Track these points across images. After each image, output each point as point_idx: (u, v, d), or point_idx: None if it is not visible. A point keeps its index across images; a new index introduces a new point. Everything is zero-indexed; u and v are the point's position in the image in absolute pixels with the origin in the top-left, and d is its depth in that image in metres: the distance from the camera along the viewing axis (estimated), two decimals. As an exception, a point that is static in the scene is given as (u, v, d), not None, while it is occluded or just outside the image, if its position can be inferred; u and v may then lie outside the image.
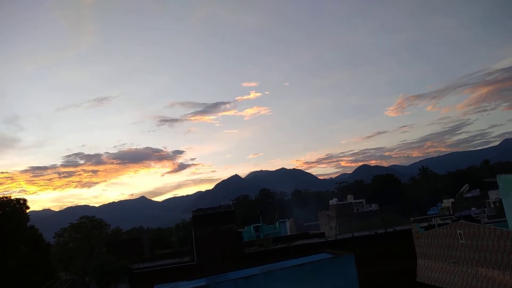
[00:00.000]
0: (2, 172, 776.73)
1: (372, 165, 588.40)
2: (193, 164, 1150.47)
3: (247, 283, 16.12)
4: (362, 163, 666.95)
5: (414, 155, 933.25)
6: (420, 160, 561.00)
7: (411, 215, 78.37)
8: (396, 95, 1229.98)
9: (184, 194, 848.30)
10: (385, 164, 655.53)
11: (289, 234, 68.30)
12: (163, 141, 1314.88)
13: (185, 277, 22.27)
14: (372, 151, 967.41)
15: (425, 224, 41.01)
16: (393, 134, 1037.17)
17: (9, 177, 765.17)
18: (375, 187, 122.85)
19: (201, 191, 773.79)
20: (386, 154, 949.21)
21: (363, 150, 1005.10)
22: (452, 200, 72.94)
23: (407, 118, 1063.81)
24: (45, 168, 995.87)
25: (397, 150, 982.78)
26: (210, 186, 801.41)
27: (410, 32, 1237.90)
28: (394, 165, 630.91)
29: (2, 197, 43.53)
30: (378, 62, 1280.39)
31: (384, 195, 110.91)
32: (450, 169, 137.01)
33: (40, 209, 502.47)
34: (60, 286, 46.90)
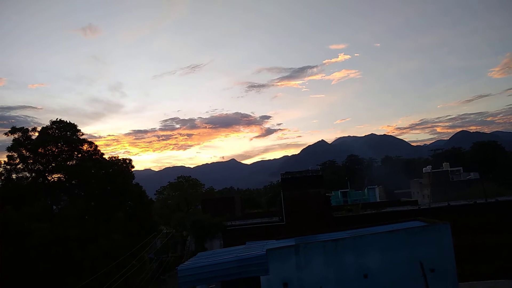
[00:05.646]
0: (109, 135, 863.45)
1: (471, 131, 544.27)
2: (279, 129, 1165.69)
3: (336, 246, 16.14)
4: (461, 129, 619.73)
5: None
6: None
7: (516, 186, 71.84)
8: (502, 55, 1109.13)
9: (271, 158, 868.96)
10: (487, 130, 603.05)
11: (378, 201, 66.84)
12: (251, 107, 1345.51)
13: (274, 236, 23.08)
14: (472, 116, 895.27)
15: (534, 196, 37.39)
16: (498, 98, 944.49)
17: (115, 139, 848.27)
18: (475, 155, 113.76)
19: (287, 156, 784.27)
20: (488, 119, 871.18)
21: (462, 115, 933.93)
22: None
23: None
24: (145, 131, 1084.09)
25: (501, 115, 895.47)
26: (296, 151, 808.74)
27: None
28: (497, 131, 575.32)
29: (111, 157, 47.62)
30: (480, 20, 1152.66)
31: (485, 164, 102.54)
32: None
33: (142, 168, 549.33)
34: (161, 239, 51.62)
